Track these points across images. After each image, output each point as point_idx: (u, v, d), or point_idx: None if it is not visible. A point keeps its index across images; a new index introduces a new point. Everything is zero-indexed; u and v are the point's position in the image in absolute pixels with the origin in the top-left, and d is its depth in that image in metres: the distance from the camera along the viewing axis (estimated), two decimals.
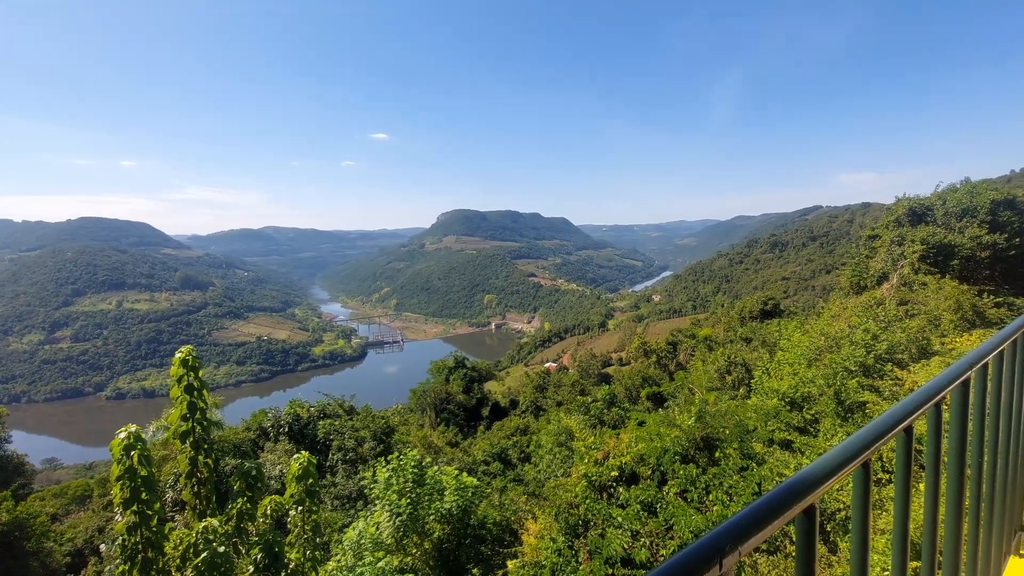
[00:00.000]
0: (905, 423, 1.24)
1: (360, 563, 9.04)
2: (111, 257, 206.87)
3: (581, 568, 8.28)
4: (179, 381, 6.39)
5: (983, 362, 1.83)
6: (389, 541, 10.49)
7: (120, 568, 5.75)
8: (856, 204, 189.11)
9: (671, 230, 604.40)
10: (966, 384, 1.65)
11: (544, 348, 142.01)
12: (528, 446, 25.73)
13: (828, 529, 8.47)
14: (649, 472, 9.69)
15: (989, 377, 1.94)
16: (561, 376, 53.62)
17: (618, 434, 12.10)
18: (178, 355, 6.40)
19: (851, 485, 1.14)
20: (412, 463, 11.38)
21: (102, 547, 19.97)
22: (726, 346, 30.73)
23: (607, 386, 33.30)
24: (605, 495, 9.73)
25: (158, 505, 5.93)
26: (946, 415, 1.70)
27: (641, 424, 11.96)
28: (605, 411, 24.82)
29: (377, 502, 11.02)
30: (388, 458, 11.69)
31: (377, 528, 10.61)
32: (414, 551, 10.97)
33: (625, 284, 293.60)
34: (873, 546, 7.07)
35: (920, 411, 1.33)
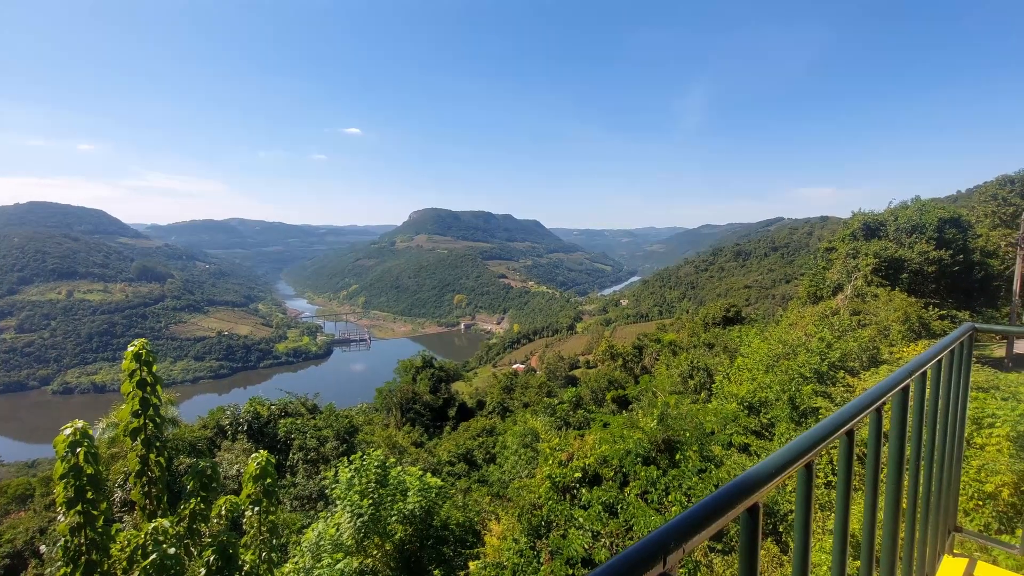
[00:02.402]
0: (847, 427, 1.31)
1: (318, 565, 8.86)
2: (62, 244, 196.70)
3: (542, 568, 8.33)
4: (131, 376, 6.14)
5: (922, 370, 1.92)
6: (349, 542, 10.32)
7: (62, 571, 5.49)
8: (815, 217, 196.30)
9: (641, 236, 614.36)
10: (906, 391, 1.74)
11: (512, 349, 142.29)
12: (494, 447, 25.72)
13: (780, 530, 8.77)
14: (612, 473, 9.84)
15: (928, 384, 2.04)
16: (529, 378, 53.86)
17: (583, 436, 12.23)
18: (130, 348, 6.15)
19: (795, 485, 1.19)
20: (375, 463, 11.22)
21: (42, 548, 18.98)
22: (689, 351, 31.43)
23: (574, 388, 33.64)
24: (568, 496, 9.82)
25: (105, 505, 5.68)
26: (887, 420, 1.79)
27: (605, 426, 12.14)
28: (571, 413, 25.06)
29: (338, 503, 10.82)
30: (351, 458, 11.49)
31: (337, 529, 10.42)
32: (375, 552, 10.82)
33: (594, 288, 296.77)
34: (822, 546, 7.34)
35: (862, 415, 1.40)
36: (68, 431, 5.45)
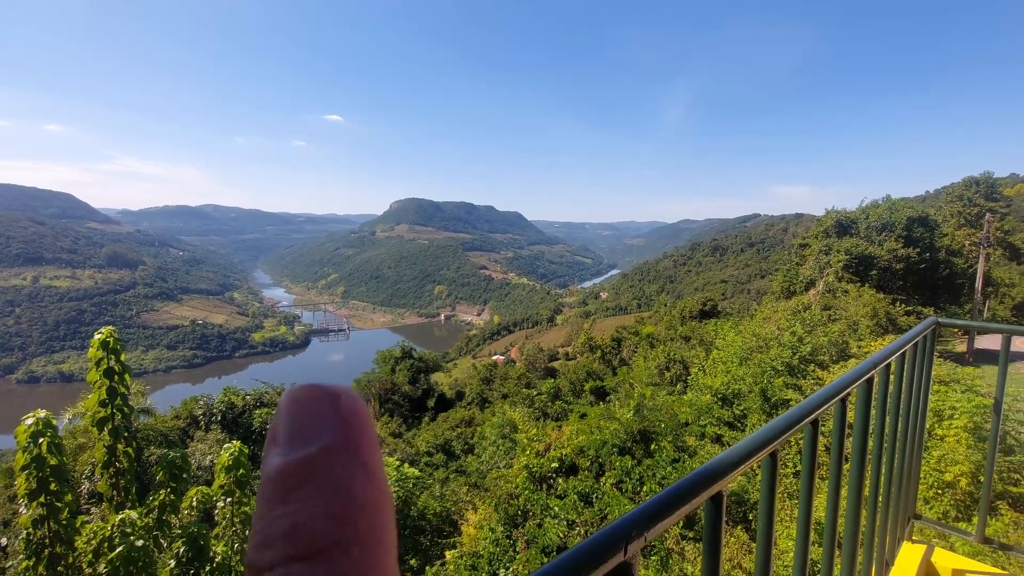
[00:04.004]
0: (812, 416, 1.33)
1: None
2: (27, 228, 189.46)
3: (518, 557, 8.41)
4: (98, 364, 5.99)
5: (886, 362, 1.97)
6: None
7: (24, 564, 5.35)
8: (791, 214, 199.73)
9: (621, 230, 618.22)
10: (870, 382, 1.78)
11: (492, 341, 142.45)
12: (472, 438, 25.79)
13: (751, 518, 8.99)
14: (588, 463, 9.95)
15: (892, 376, 2.10)
16: (508, 369, 54.00)
17: (560, 426, 12.34)
18: (97, 336, 5.99)
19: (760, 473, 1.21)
20: None
21: (3, 541, 18.43)
22: (667, 344, 31.88)
23: (552, 380, 33.86)
24: (545, 486, 9.91)
25: (69, 497, 5.55)
26: (852, 411, 1.83)
27: (583, 417, 12.25)
28: (549, 404, 25.25)
29: None
30: None
31: None
32: None
33: (575, 280, 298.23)
34: (790, 533, 7.55)
35: (827, 406, 1.42)
36: (30, 421, 5.30)
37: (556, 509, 8.78)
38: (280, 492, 0.17)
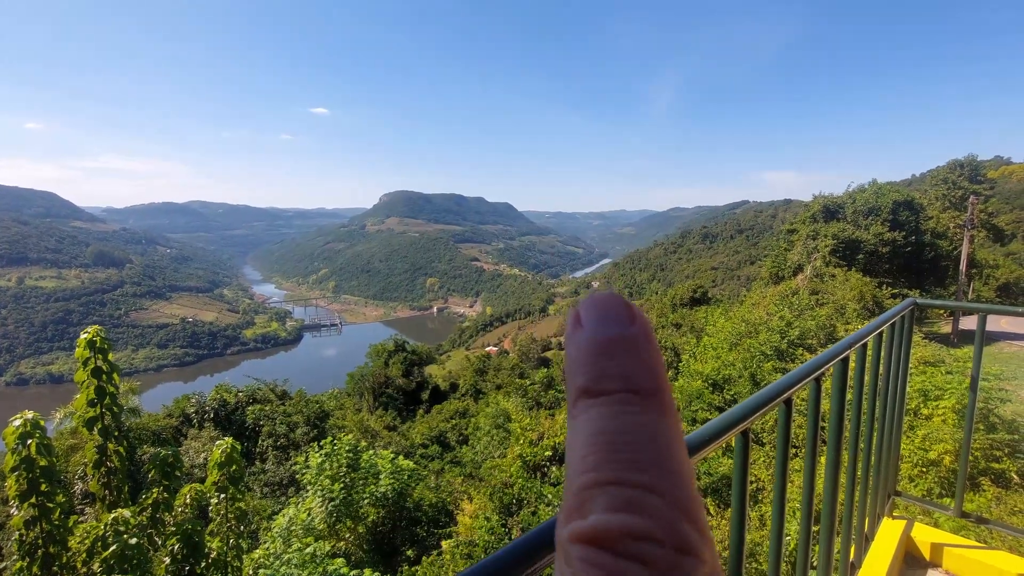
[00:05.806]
0: (785, 395, 1.35)
1: (288, 550, 8.83)
2: (11, 229, 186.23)
3: None
4: (85, 364, 5.95)
5: (863, 342, 2.01)
6: (321, 526, 10.31)
7: (17, 565, 5.34)
8: (779, 200, 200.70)
9: (612, 219, 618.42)
10: (846, 360, 1.81)
11: (485, 332, 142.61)
12: (466, 429, 25.88)
13: None
14: None
15: (868, 355, 2.13)
16: (501, 360, 54.16)
17: (553, 415, 12.43)
18: (84, 336, 5.94)
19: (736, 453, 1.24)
20: (346, 448, 11.19)
21: None
22: (658, 331, 32.07)
23: (546, 369, 33.99)
24: (538, 474, 10.00)
25: (61, 497, 5.53)
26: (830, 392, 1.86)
27: None
28: (542, 393, 25.37)
29: (309, 488, 10.78)
30: (321, 443, 11.43)
31: (309, 514, 10.39)
32: (347, 536, 10.84)
33: (566, 270, 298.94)
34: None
35: (800, 384, 1.44)
36: (17, 422, 5.26)
37: (550, 496, 8.88)
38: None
